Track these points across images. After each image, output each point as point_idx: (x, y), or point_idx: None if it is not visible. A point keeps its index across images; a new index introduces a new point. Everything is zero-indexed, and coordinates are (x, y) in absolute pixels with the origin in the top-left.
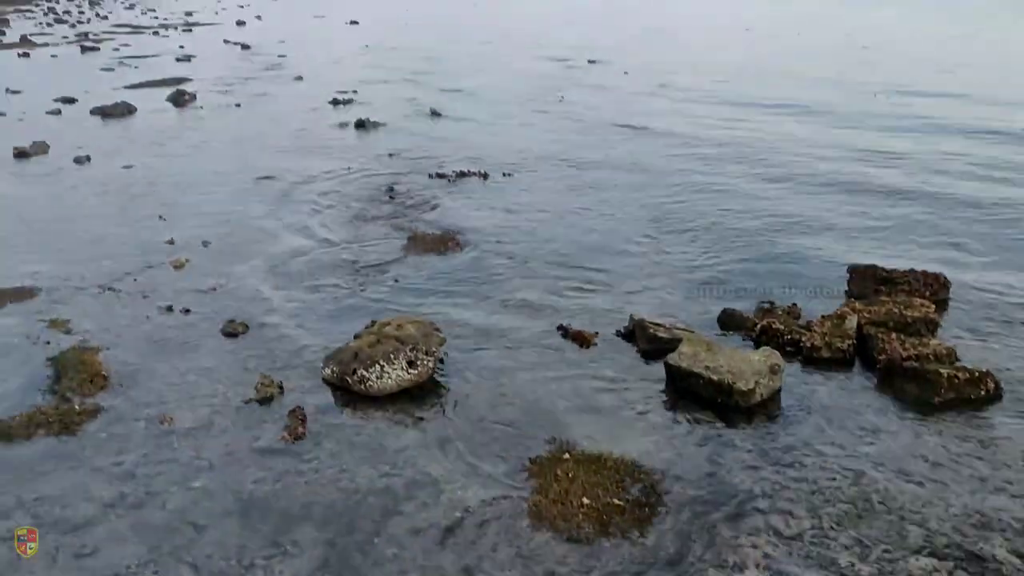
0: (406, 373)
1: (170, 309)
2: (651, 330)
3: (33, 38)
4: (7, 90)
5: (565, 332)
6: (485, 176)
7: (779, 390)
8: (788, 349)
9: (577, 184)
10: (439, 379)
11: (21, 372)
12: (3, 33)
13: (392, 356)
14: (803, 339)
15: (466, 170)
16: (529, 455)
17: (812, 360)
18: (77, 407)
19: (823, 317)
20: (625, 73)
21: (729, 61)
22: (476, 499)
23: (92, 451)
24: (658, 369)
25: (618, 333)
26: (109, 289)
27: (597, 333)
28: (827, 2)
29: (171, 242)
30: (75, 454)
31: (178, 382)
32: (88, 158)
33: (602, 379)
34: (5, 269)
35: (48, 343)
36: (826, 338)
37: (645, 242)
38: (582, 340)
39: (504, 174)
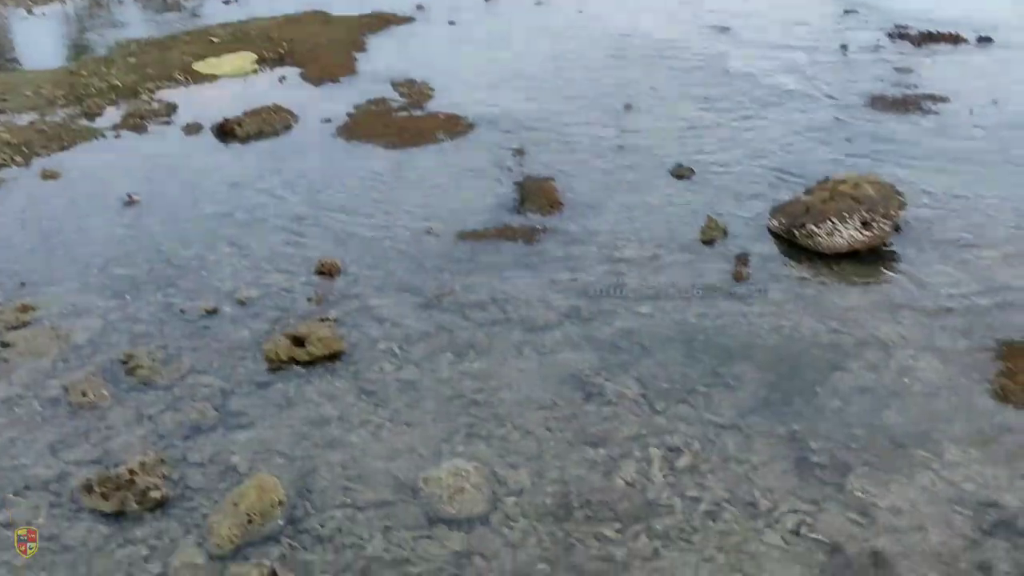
0: (859, 233)
1: (620, 148)
2: None
3: None
4: None
5: None
6: (957, 40)
7: None
8: None
9: None
10: (894, 246)
11: (493, 192)
12: None
13: (846, 214)
14: None
15: (935, 31)
16: (997, 336)
17: None
18: (539, 227)
19: None
20: None
21: None
22: (930, 369)
23: (551, 267)
24: None
25: None
26: (566, 126)
27: None
28: None
29: (628, 107)
30: (536, 267)
31: (627, 216)
32: None
33: None
34: (476, 97)
35: (511, 169)
36: None
37: None
38: None
39: (982, 38)
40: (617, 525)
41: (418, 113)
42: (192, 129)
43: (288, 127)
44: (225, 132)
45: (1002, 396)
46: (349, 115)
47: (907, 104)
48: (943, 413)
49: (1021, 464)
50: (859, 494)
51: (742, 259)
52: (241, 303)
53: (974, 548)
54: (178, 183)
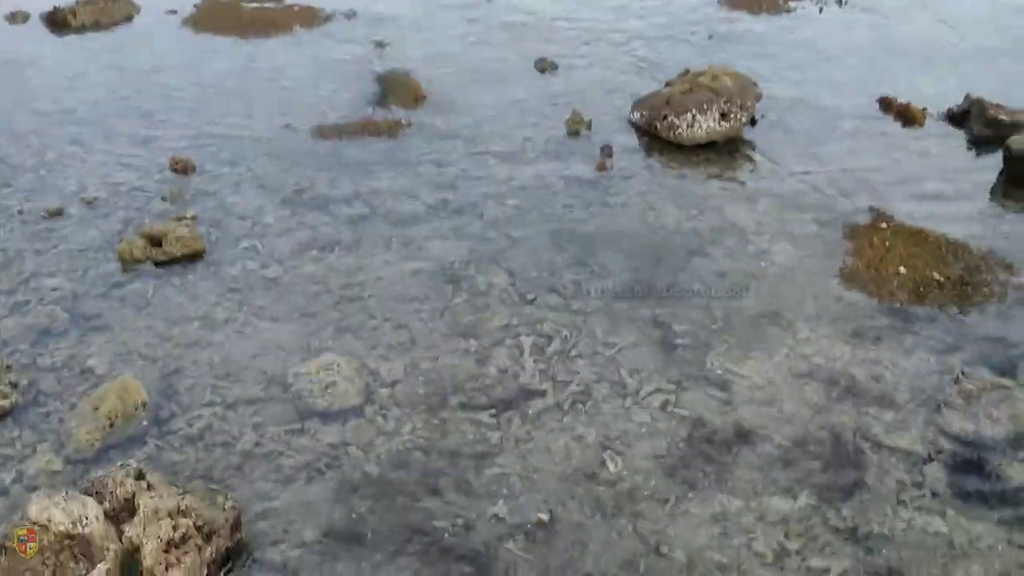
0: (718, 125)
1: (484, 42)
2: (991, 112)
3: None
4: None
5: (887, 106)
6: None
7: None
8: None
9: None
10: (750, 135)
11: (353, 87)
12: None
13: (705, 106)
14: None
15: None
16: (843, 220)
17: None
18: (403, 121)
19: None
20: None
21: None
22: (783, 253)
23: (417, 161)
24: (993, 155)
25: (949, 113)
26: (428, 17)
27: (925, 110)
28: None
29: None
30: (402, 161)
31: (492, 110)
32: None
33: (927, 158)
34: None
35: (372, 62)
36: None
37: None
38: (907, 116)
39: None
40: (491, 411)
41: (271, 5)
42: (17, 18)
43: (129, 18)
44: (56, 22)
45: (848, 277)
46: (196, 6)
47: (762, 2)
48: (796, 294)
49: (864, 339)
50: (719, 371)
51: (606, 151)
52: (88, 203)
53: (823, 415)
54: (5, 76)
